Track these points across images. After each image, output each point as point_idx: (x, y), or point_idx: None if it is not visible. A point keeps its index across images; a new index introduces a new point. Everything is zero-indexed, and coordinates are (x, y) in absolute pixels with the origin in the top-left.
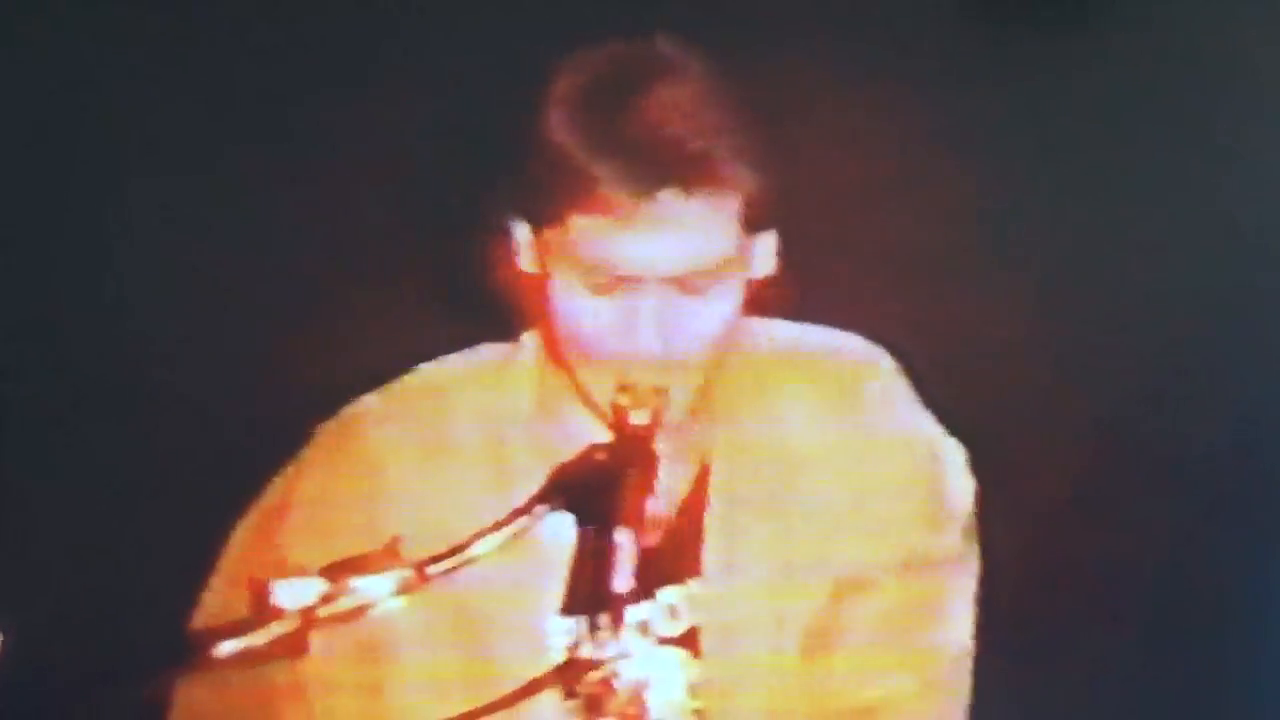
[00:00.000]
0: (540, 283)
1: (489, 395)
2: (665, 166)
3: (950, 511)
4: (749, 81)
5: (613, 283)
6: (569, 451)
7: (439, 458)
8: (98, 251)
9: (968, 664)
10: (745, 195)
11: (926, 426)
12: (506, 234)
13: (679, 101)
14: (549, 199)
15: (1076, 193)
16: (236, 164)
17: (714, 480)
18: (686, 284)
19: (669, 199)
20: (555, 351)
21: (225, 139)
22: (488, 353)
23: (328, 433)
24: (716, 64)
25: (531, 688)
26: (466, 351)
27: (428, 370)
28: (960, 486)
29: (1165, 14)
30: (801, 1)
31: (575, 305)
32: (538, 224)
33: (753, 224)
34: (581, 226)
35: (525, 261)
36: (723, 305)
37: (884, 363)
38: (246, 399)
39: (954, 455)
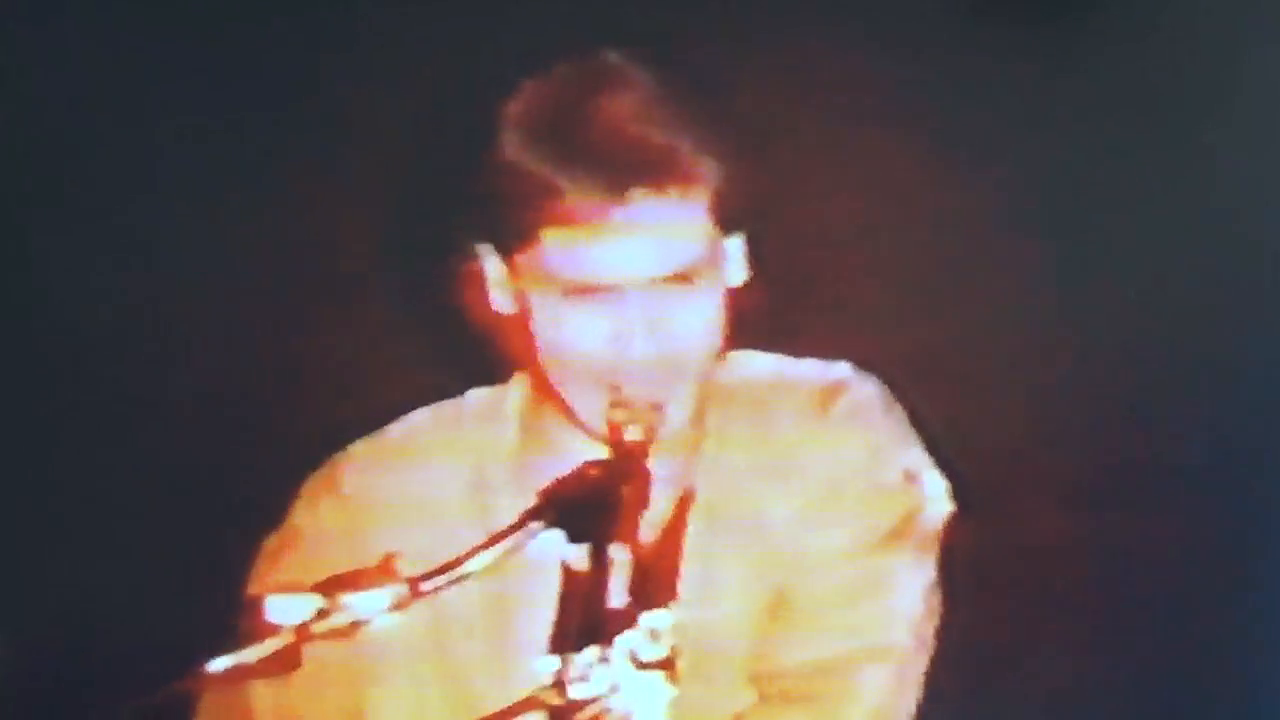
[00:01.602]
0: (519, 321)
1: (473, 439)
2: (633, 166)
3: (917, 526)
4: (713, 79)
5: (594, 292)
6: None
7: (423, 503)
8: (85, 284)
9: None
10: (715, 190)
11: (905, 447)
12: (480, 274)
13: (635, 105)
14: (517, 221)
15: (1068, 199)
16: (218, 196)
17: (695, 506)
18: (668, 286)
19: (641, 199)
20: (544, 387)
21: (206, 170)
22: (476, 398)
23: (315, 482)
24: (673, 63)
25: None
26: (456, 399)
27: (415, 418)
28: (932, 511)
29: (1166, 17)
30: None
31: (559, 324)
32: (509, 250)
33: (726, 222)
34: (554, 241)
35: (500, 300)
36: (706, 307)
37: (865, 384)
38: (241, 427)
39: (933, 481)
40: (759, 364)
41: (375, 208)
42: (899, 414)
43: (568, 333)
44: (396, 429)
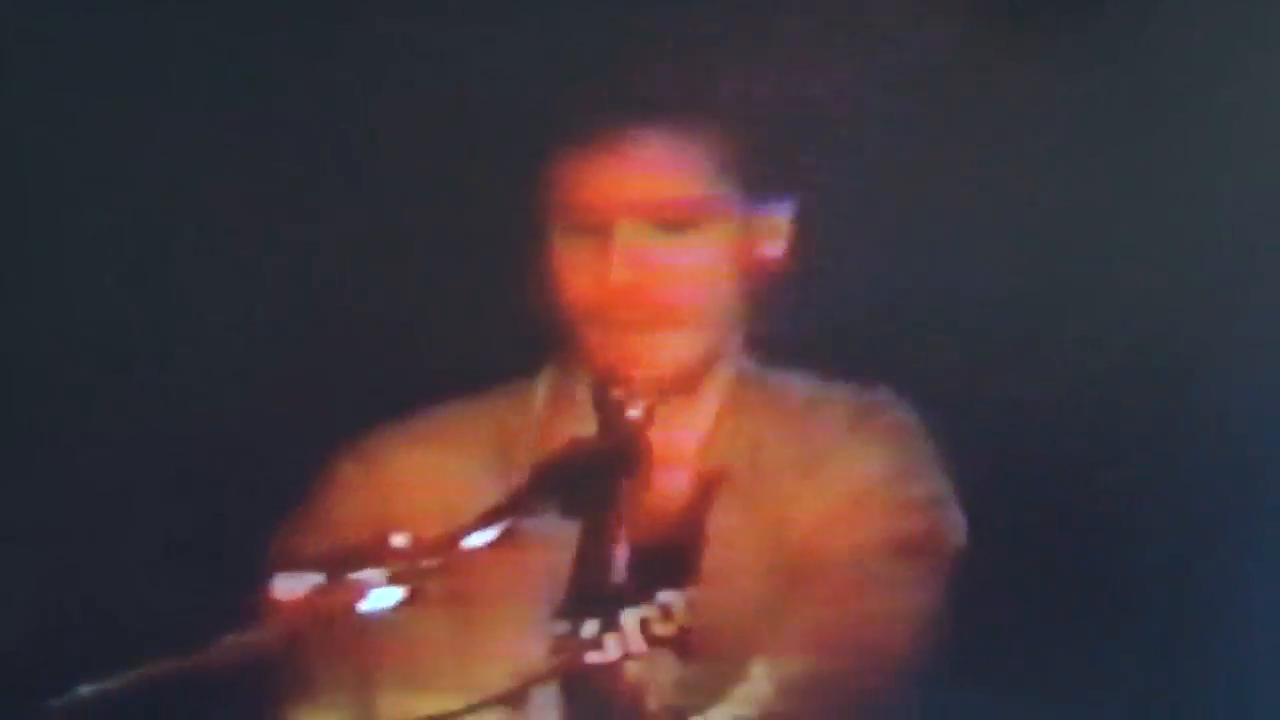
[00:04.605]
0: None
1: (501, 425)
2: (638, 97)
3: (933, 547)
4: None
5: (588, 221)
6: None
7: (449, 484)
8: (109, 265)
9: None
10: (720, 135)
11: (933, 472)
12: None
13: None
14: (542, 156)
15: (1075, 196)
16: (256, 178)
17: (721, 493)
18: (658, 219)
19: (632, 129)
20: (575, 357)
21: (244, 145)
22: (507, 388)
23: (347, 463)
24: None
25: (529, 683)
26: (487, 392)
27: (444, 407)
28: (950, 540)
29: (1167, 17)
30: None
31: (560, 260)
32: (543, 200)
33: (738, 172)
34: (561, 169)
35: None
36: (700, 257)
37: (901, 410)
38: (265, 418)
39: (954, 511)
40: (799, 381)
41: (410, 188)
42: (930, 443)
43: (564, 267)
44: (425, 415)
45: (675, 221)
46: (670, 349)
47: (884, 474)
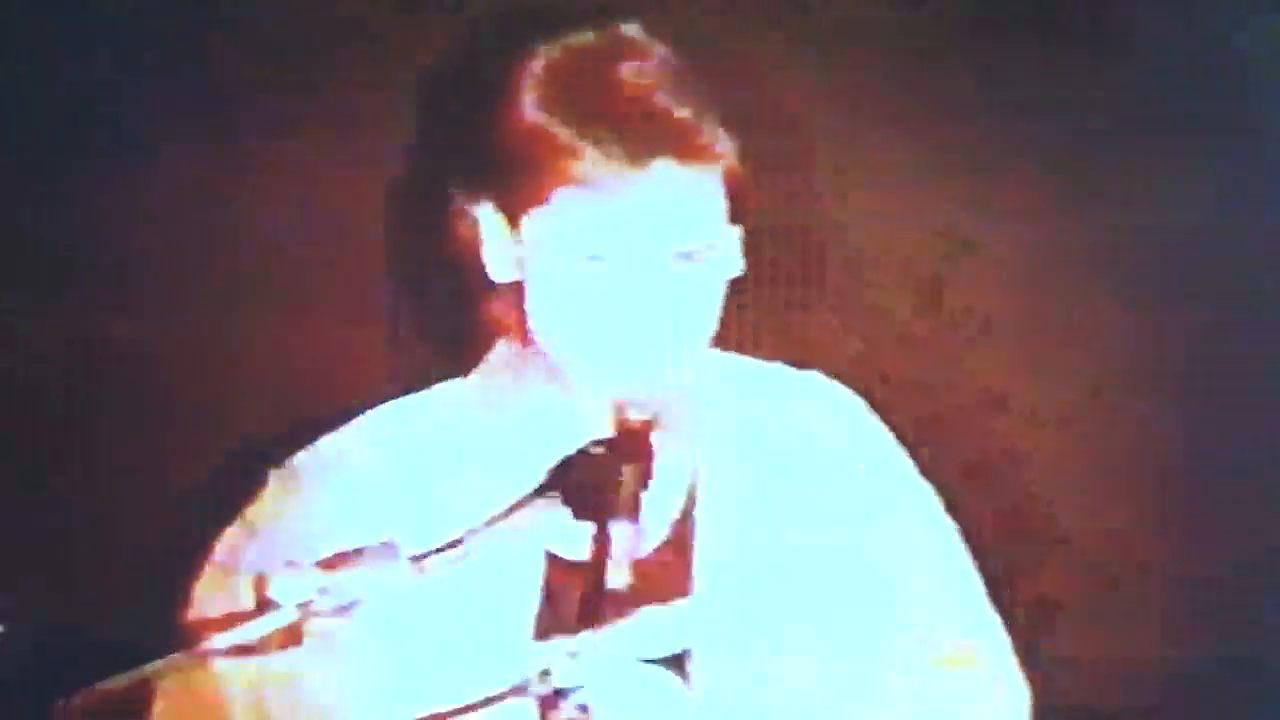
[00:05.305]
0: (514, 288)
1: (443, 433)
2: (657, 134)
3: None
4: (721, 66)
5: (604, 260)
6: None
7: (386, 501)
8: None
9: None
10: (728, 172)
11: (900, 464)
12: (471, 239)
13: (658, 75)
14: (528, 182)
15: (1070, 211)
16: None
17: (700, 505)
18: (678, 261)
19: (662, 167)
20: (530, 359)
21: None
22: (444, 391)
23: (275, 480)
24: (690, 50)
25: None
26: (422, 393)
27: (379, 413)
28: (938, 527)
29: (1163, 25)
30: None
31: (563, 291)
32: (515, 212)
33: (736, 208)
34: (567, 203)
35: (496, 265)
36: (711, 289)
37: (851, 400)
38: (205, 421)
39: (929, 497)
40: (745, 368)
41: (364, 177)
42: (879, 423)
43: (571, 300)
44: (359, 424)
45: (693, 259)
46: (674, 383)
47: (866, 498)
